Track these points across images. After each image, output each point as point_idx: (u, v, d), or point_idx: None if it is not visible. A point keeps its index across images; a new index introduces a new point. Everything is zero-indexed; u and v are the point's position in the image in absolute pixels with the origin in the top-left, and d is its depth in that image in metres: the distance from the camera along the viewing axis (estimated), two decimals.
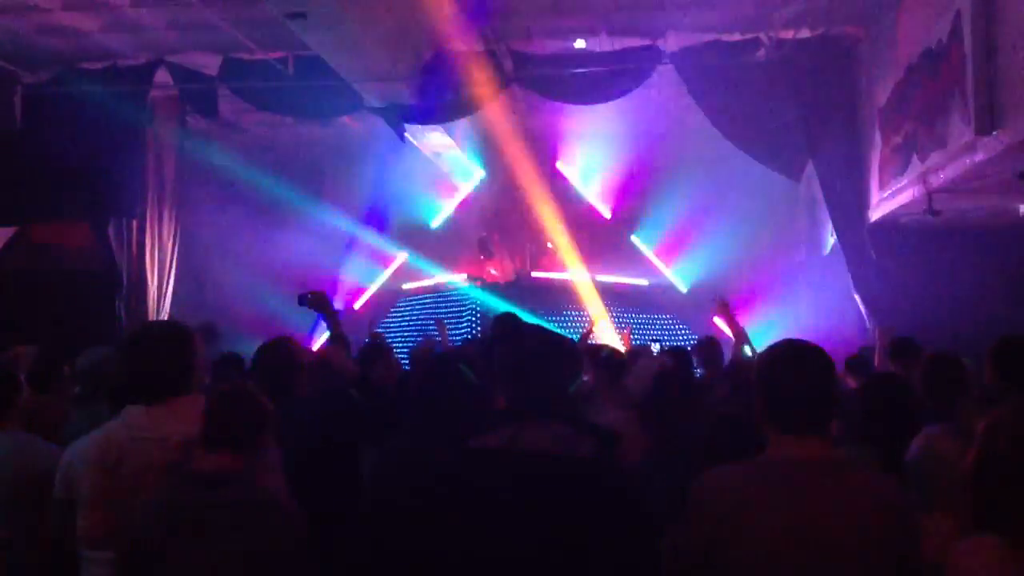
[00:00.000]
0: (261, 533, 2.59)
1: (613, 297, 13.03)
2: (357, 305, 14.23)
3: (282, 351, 4.01)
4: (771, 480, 2.28)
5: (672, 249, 14.01)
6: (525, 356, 2.34)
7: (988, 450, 2.04)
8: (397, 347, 10.62)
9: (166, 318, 11.43)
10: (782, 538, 2.20)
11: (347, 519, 3.20)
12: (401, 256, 14.76)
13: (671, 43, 9.67)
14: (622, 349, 7.24)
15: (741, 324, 6.17)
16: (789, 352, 2.40)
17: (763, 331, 10.24)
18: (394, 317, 13.77)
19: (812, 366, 2.35)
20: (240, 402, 2.83)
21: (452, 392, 2.94)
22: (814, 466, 2.28)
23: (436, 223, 15.19)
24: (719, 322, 7.53)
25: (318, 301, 4.60)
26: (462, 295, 12.67)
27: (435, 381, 3.00)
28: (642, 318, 13.17)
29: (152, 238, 11.37)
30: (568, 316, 12.56)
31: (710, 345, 6.62)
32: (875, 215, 9.32)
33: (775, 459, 2.33)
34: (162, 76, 10.29)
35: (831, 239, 10.55)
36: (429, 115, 10.70)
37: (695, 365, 6.40)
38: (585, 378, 5.06)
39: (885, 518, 2.22)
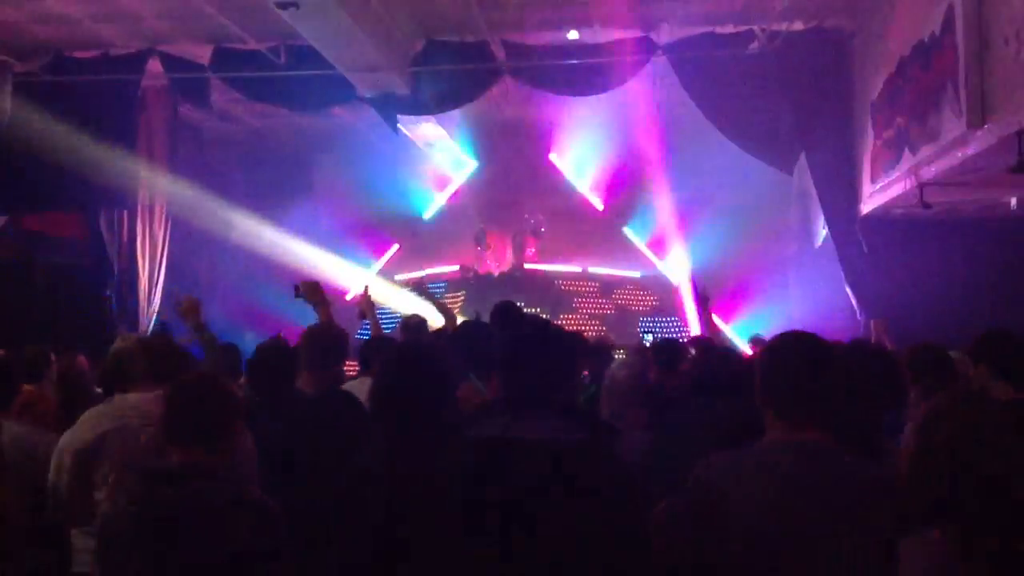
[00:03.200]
0: (233, 530, 2.47)
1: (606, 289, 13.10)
2: (349, 296, 14.20)
3: (278, 350, 3.99)
4: (762, 463, 2.32)
5: (664, 241, 14.03)
6: (520, 345, 2.35)
7: (926, 443, 1.90)
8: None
9: (156, 309, 11.43)
10: (767, 520, 2.23)
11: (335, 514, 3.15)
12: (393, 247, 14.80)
13: (664, 35, 9.67)
14: None
15: (715, 326, 6.33)
16: (788, 341, 2.44)
17: (755, 322, 10.32)
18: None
19: (809, 355, 2.37)
20: (202, 393, 2.63)
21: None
22: (804, 450, 2.31)
23: (428, 214, 15.19)
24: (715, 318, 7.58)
25: (311, 290, 4.57)
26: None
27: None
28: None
29: (143, 228, 11.35)
30: (560, 308, 12.59)
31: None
32: (867, 208, 9.35)
33: (769, 443, 2.37)
34: (154, 65, 10.24)
35: (823, 231, 10.57)
36: (422, 106, 10.67)
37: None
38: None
39: (873, 506, 2.23)
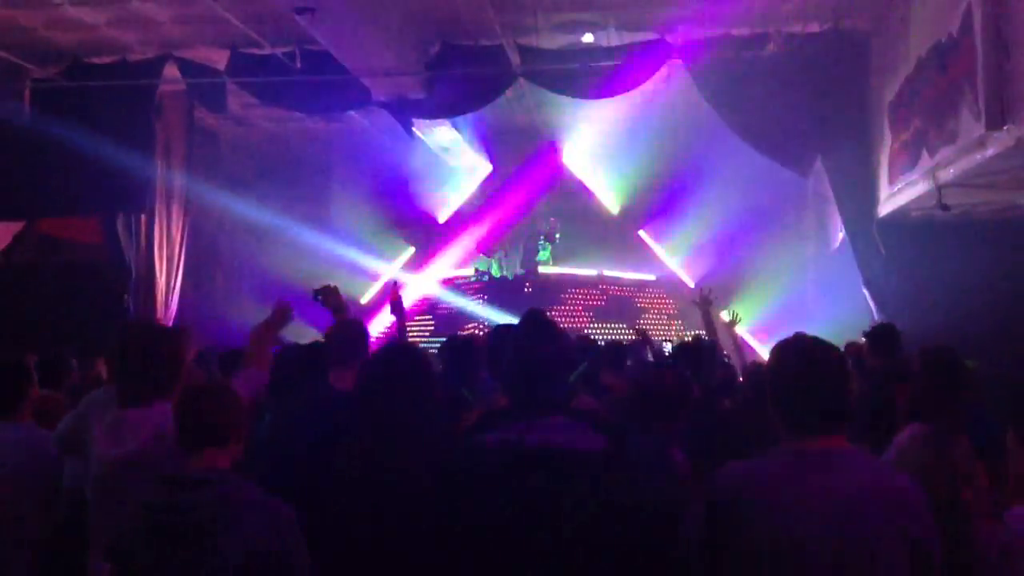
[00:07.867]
0: (250, 532, 2.51)
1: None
2: (363, 300, 14.24)
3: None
4: (784, 472, 2.29)
5: (680, 244, 13.99)
6: (530, 353, 2.34)
7: None
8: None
9: (174, 313, 11.47)
10: (787, 527, 2.21)
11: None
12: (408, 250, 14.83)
13: (680, 37, 9.63)
14: None
15: (715, 327, 6.32)
16: (801, 350, 2.40)
17: (772, 326, 10.27)
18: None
19: (825, 365, 2.34)
20: (212, 399, 2.74)
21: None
22: (824, 458, 2.28)
23: (443, 217, 15.20)
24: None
25: (329, 296, 4.57)
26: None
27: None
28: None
29: (160, 232, 11.40)
30: (575, 311, 12.58)
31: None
32: (884, 210, 9.29)
33: (786, 452, 2.34)
34: (170, 71, 10.30)
35: (840, 234, 10.52)
36: (437, 110, 10.69)
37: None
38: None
39: (895, 511, 2.21)
